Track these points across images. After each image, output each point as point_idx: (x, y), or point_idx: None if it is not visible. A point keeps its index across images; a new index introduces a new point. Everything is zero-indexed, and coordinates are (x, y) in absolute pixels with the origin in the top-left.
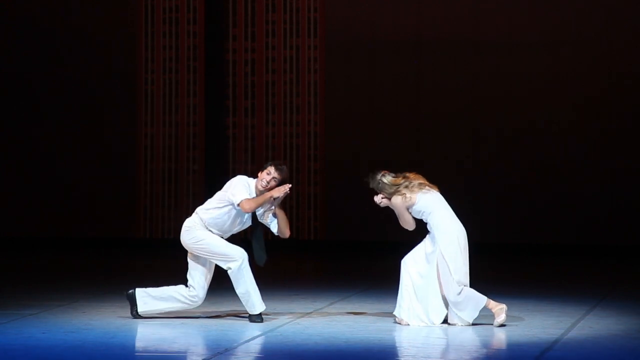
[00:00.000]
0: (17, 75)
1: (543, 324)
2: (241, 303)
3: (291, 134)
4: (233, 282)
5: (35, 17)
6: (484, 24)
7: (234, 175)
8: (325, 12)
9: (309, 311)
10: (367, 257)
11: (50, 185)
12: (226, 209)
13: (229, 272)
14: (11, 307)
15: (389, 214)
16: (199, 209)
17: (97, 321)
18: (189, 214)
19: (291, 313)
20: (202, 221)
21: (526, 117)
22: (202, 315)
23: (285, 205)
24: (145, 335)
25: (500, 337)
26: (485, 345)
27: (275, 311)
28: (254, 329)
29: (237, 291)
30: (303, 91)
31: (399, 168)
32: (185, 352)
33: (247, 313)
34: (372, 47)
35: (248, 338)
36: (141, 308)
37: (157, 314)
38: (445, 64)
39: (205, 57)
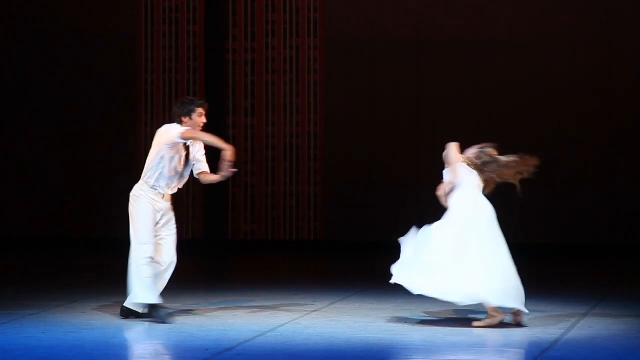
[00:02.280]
0: (17, 75)
1: (543, 324)
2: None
3: (291, 134)
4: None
5: (35, 17)
6: (484, 24)
7: (234, 175)
8: (325, 12)
9: (309, 311)
10: (367, 257)
11: (50, 185)
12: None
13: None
14: (11, 307)
15: (388, 214)
16: (142, 175)
17: (97, 321)
18: (189, 214)
19: (291, 313)
20: (146, 184)
21: (526, 117)
22: (202, 313)
23: (286, 205)
24: (145, 335)
25: (500, 337)
26: (485, 345)
27: (276, 311)
28: (254, 329)
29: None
30: (303, 91)
31: (399, 168)
32: (185, 352)
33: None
34: (372, 47)
35: (248, 338)
36: (159, 301)
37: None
38: (445, 64)
39: (205, 57)
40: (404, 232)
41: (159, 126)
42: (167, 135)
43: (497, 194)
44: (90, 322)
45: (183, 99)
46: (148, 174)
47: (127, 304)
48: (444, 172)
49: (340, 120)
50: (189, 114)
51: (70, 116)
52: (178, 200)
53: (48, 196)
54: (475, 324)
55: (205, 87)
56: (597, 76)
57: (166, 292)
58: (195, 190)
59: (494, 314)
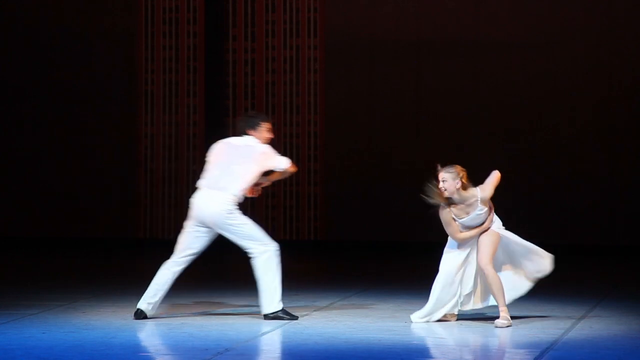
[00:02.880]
0: (17, 76)
1: (543, 324)
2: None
3: (291, 134)
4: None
5: (34, 17)
6: (484, 24)
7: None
8: (325, 12)
9: (309, 311)
10: (367, 257)
11: (51, 185)
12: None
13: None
14: (11, 307)
15: (388, 214)
16: (231, 187)
17: (97, 321)
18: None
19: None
20: (237, 198)
21: (526, 118)
22: (202, 314)
23: (286, 205)
24: (145, 335)
25: (500, 337)
26: (485, 345)
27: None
28: (254, 329)
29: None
30: (303, 91)
31: (399, 168)
32: (185, 352)
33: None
34: (372, 47)
35: (248, 338)
36: (150, 313)
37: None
38: (445, 64)
39: (205, 57)
40: (403, 232)
41: (159, 126)
42: (278, 162)
43: (497, 195)
44: (90, 322)
45: (247, 114)
46: (241, 189)
47: (271, 311)
48: (478, 214)
49: (340, 120)
50: (254, 127)
51: (70, 116)
52: (178, 202)
53: (48, 196)
54: (498, 322)
55: (205, 87)
56: (597, 77)
57: (167, 292)
58: (195, 190)
59: (507, 315)
